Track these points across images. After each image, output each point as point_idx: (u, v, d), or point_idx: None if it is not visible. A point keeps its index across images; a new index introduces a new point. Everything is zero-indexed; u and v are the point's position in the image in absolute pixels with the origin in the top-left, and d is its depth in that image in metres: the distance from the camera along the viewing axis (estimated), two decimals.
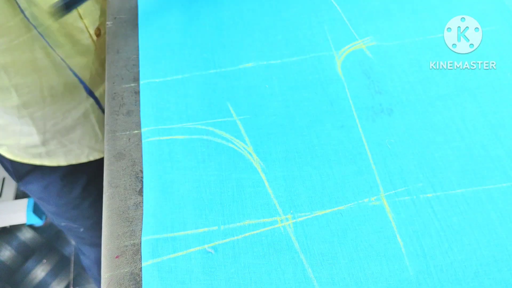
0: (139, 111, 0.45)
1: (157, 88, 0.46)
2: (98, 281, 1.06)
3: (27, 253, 1.32)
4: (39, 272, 1.30)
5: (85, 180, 0.72)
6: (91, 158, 0.69)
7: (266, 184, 0.40)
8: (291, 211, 0.38)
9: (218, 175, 0.40)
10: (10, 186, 1.38)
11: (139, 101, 0.45)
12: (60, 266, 1.30)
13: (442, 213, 0.38)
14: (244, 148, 0.42)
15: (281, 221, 0.38)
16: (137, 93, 0.46)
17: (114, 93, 0.46)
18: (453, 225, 0.38)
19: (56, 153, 0.66)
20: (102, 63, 0.63)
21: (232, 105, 0.45)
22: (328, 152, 0.42)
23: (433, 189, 0.40)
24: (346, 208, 0.39)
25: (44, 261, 1.31)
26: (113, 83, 0.47)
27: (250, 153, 0.42)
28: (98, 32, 0.60)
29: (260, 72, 0.47)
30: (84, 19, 0.56)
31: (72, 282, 1.28)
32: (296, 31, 0.50)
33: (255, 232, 0.38)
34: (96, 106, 0.65)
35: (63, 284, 1.28)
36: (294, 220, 0.38)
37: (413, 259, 0.36)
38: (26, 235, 1.36)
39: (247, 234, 0.37)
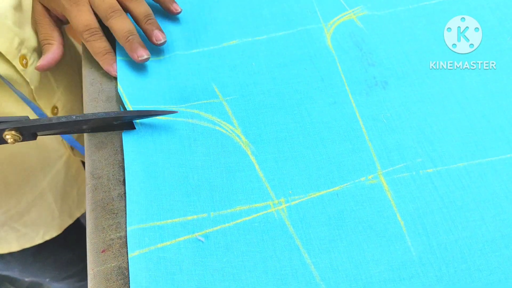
0: (119, 96, 0.42)
1: (136, 71, 0.43)
2: None
3: None
4: None
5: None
6: (47, 238, 0.64)
7: (257, 167, 0.38)
8: (285, 195, 0.37)
9: (205, 160, 0.38)
10: None
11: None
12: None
13: (444, 189, 0.37)
14: (232, 130, 0.40)
15: (274, 205, 0.36)
16: (117, 78, 0.43)
17: (92, 79, 0.44)
18: (456, 200, 0.36)
19: (7, 239, 0.60)
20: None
21: (218, 86, 0.42)
22: (320, 130, 0.40)
23: (433, 164, 0.38)
24: (342, 189, 0.37)
25: None
26: (91, 68, 0.44)
27: (238, 136, 0.39)
28: (56, 111, 0.55)
29: (245, 49, 0.45)
30: (38, 100, 0.51)
31: None
32: (281, 4, 0.47)
33: (247, 218, 0.36)
34: (53, 183, 0.60)
35: None
36: (287, 204, 0.36)
37: (415, 238, 0.35)
38: (13, 275, 1.34)
39: (238, 221, 0.36)
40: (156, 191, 0.37)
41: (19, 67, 0.46)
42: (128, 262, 0.34)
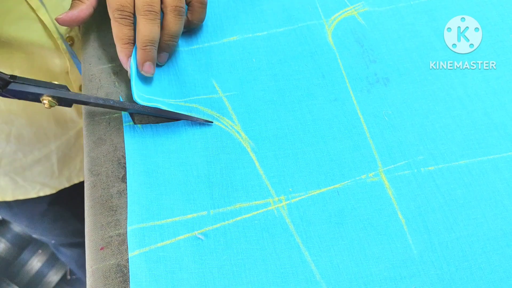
0: (118, 93, 0.42)
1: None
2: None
3: (22, 245, 1.31)
4: (35, 262, 1.29)
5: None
6: (41, 194, 0.65)
7: (257, 164, 0.38)
8: (285, 192, 0.36)
9: (204, 156, 0.38)
10: None
11: (117, 82, 0.43)
12: (56, 255, 1.29)
13: (445, 187, 0.36)
14: (231, 126, 0.39)
15: (274, 203, 0.36)
16: (116, 74, 0.43)
17: (91, 75, 0.43)
18: (457, 198, 0.36)
19: (4, 188, 0.61)
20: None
21: (217, 82, 0.42)
22: (321, 128, 0.39)
23: (435, 162, 0.37)
24: (342, 186, 0.37)
25: (40, 251, 1.30)
26: (90, 64, 0.44)
27: (238, 132, 0.39)
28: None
29: (245, 45, 0.44)
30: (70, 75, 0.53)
31: (69, 271, 1.27)
32: (282, 0, 0.47)
33: (247, 215, 0.35)
34: (61, 148, 0.61)
35: (60, 273, 1.27)
36: (288, 202, 0.36)
37: (416, 236, 0.35)
38: (20, 227, 1.34)
39: (238, 218, 0.35)
40: (156, 189, 0.36)
41: (62, 47, 0.47)
42: (126, 259, 0.34)
